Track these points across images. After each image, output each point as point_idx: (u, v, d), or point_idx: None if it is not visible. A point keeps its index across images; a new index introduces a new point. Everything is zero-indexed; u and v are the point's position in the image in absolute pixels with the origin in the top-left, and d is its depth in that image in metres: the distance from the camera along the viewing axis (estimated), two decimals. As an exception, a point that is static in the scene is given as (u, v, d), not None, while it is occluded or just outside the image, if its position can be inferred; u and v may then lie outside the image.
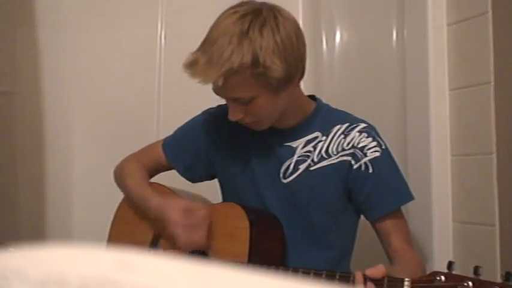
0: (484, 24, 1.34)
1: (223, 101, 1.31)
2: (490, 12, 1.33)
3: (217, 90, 1.09)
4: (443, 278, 0.81)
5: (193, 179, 1.36)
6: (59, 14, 1.77)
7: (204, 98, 1.38)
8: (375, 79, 1.74)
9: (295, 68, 1.09)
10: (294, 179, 1.20)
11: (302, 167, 1.20)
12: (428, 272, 0.87)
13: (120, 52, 1.81)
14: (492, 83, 1.32)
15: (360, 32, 1.78)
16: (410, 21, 1.59)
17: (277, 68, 1.04)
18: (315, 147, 1.20)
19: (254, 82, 1.05)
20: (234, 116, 1.12)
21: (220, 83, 1.02)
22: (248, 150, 1.25)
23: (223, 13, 1.09)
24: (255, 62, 1.02)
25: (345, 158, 1.18)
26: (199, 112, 1.37)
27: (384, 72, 1.71)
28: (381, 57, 1.72)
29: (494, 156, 1.31)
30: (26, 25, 1.70)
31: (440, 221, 1.43)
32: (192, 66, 1.05)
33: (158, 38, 1.79)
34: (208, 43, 1.05)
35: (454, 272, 0.82)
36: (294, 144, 1.21)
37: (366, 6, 1.79)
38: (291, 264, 1.17)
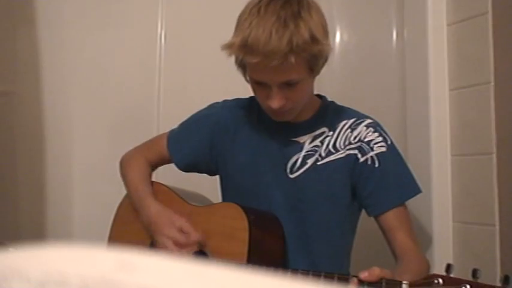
0: (484, 24, 1.34)
1: (224, 98, 1.31)
2: (490, 12, 1.33)
3: (268, 75, 1.07)
4: (441, 281, 0.81)
5: (190, 172, 1.36)
6: (60, 14, 1.77)
7: (204, 97, 1.39)
8: (375, 79, 1.74)
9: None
10: (301, 173, 1.20)
11: (310, 161, 1.20)
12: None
13: (120, 52, 1.81)
14: (492, 83, 1.32)
15: (360, 32, 1.78)
16: (410, 21, 1.59)
17: (326, 48, 1.07)
18: (322, 142, 1.20)
19: (306, 63, 1.06)
20: (280, 102, 1.11)
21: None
22: (254, 146, 1.25)
23: (259, 1, 1.06)
24: (313, 39, 1.03)
25: (351, 151, 1.18)
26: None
27: (384, 72, 1.71)
28: (381, 57, 1.72)
29: (494, 156, 1.31)
30: (27, 24, 1.70)
31: (440, 221, 1.43)
32: (251, 48, 1.03)
33: (158, 38, 1.79)
34: (257, 28, 1.03)
35: (452, 275, 0.81)
36: (301, 139, 1.22)
37: (366, 6, 1.79)
38: (295, 261, 1.17)
